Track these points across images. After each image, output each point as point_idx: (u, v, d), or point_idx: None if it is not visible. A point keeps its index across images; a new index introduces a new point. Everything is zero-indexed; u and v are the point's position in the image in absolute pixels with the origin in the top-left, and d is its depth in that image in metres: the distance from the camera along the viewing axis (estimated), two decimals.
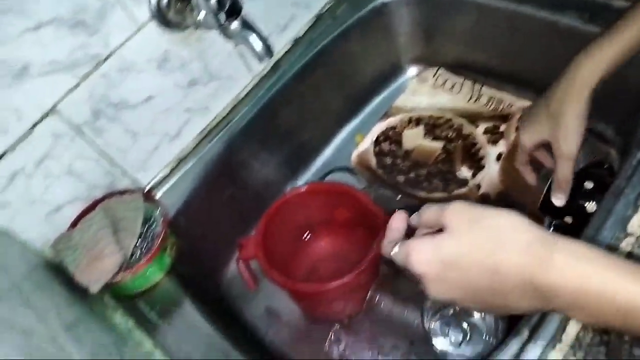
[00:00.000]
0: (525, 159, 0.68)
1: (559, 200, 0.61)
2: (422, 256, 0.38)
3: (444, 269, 0.38)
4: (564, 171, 0.59)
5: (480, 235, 0.37)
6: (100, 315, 0.61)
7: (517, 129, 0.76)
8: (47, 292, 0.53)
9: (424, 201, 0.76)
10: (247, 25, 0.60)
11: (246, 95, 0.79)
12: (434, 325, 0.62)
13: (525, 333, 0.45)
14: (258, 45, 0.59)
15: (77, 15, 0.59)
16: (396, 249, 0.41)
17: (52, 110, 0.61)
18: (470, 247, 0.37)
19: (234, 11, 0.59)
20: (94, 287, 0.59)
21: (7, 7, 0.53)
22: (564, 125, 0.57)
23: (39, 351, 0.36)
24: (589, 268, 0.35)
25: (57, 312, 0.48)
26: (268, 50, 0.59)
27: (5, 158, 0.59)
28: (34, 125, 0.60)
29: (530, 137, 0.64)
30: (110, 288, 0.62)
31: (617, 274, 0.34)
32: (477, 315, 0.61)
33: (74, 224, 0.66)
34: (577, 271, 0.35)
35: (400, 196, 0.80)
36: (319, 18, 0.85)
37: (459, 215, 0.39)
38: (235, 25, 0.59)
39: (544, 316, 0.45)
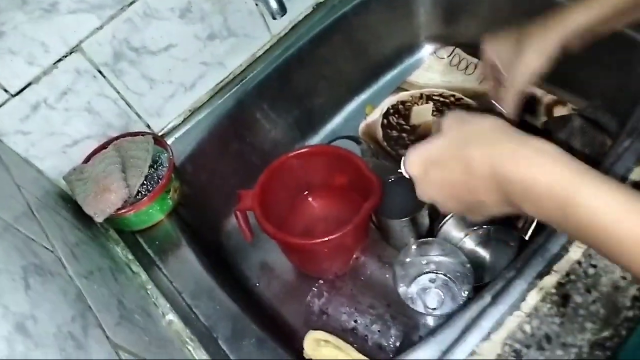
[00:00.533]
0: (487, 71, 0.68)
1: (506, 109, 0.64)
2: (413, 158, 0.44)
3: (428, 168, 0.42)
4: (508, 100, 0.61)
5: (461, 132, 0.41)
6: (102, 244, 0.65)
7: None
8: (56, 215, 0.57)
9: None
10: None
11: (262, 54, 0.82)
12: (410, 289, 0.65)
13: (487, 298, 0.48)
14: (273, 2, 0.61)
15: None
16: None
17: (77, 48, 0.64)
18: (450, 142, 0.41)
19: None
20: (99, 217, 0.63)
21: None
22: (523, 58, 0.58)
23: (36, 257, 0.40)
24: (549, 164, 0.35)
25: (62, 233, 0.52)
26: (282, 7, 0.61)
27: (30, 88, 0.63)
28: (59, 60, 0.64)
29: (491, 53, 0.65)
30: (114, 221, 0.67)
31: (576, 174, 0.34)
32: (451, 284, 0.64)
33: (87, 159, 0.70)
34: (534, 164, 0.36)
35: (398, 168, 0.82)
36: None
37: (451, 119, 0.43)
38: None
39: (508, 284, 0.48)
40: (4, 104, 0.62)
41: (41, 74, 0.63)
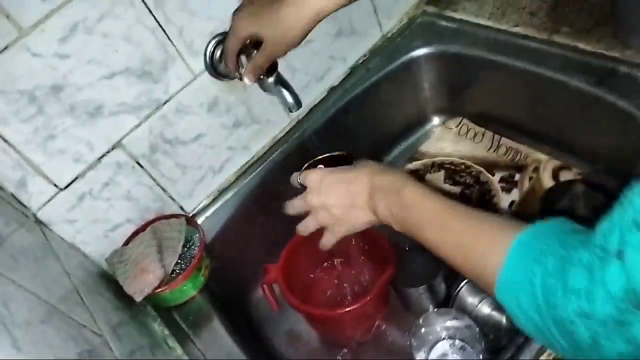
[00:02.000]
0: (236, 47, 0.68)
1: (246, 79, 0.68)
2: (313, 174, 0.63)
3: (323, 181, 0.62)
4: (259, 61, 0.65)
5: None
6: (141, 321, 0.71)
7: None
8: (99, 297, 0.63)
9: None
10: (281, 81, 0.70)
11: (283, 136, 0.89)
12: (430, 357, 0.68)
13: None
14: (289, 98, 0.68)
15: (145, 66, 0.71)
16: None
17: (118, 144, 0.73)
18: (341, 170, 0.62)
19: (271, 69, 0.69)
20: (138, 297, 0.69)
21: (90, 57, 0.66)
22: (291, 34, 0.61)
23: (88, 343, 0.46)
24: (400, 176, 0.57)
25: (105, 314, 0.58)
26: (297, 102, 0.69)
27: (77, 181, 0.71)
28: (102, 156, 0.72)
29: (246, 27, 0.65)
30: (151, 299, 0.72)
31: (407, 180, 0.56)
32: (469, 349, 0.67)
33: (127, 241, 0.77)
34: (397, 178, 0.56)
35: None
36: (353, 70, 0.94)
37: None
38: (270, 80, 0.69)
39: (518, 351, 0.51)
40: (53, 197, 0.70)
41: (87, 169, 0.71)
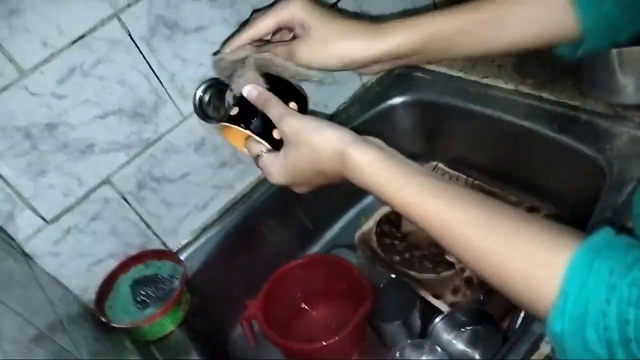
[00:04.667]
0: (270, 27, 0.60)
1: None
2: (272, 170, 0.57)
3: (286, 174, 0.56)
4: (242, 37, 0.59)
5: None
6: (120, 353, 0.71)
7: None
8: (79, 327, 0.64)
9: (414, 280, 0.85)
10: None
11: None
12: None
13: None
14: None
15: (137, 108, 0.75)
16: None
17: (106, 180, 0.76)
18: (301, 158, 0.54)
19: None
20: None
21: (85, 98, 0.70)
22: (343, 44, 0.55)
23: None
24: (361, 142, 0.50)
25: (86, 343, 0.59)
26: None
27: (64, 216, 0.73)
28: (91, 191, 0.75)
29: (304, 9, 0.57)
30: (130, 332, 0.73)
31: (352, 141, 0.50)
32: None
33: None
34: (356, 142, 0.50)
35: (394, 275, 0.89)
36: (333, 116, 1.00)
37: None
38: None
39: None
40: (40, 230, 0.72)
41: (74, 204, 0.74)
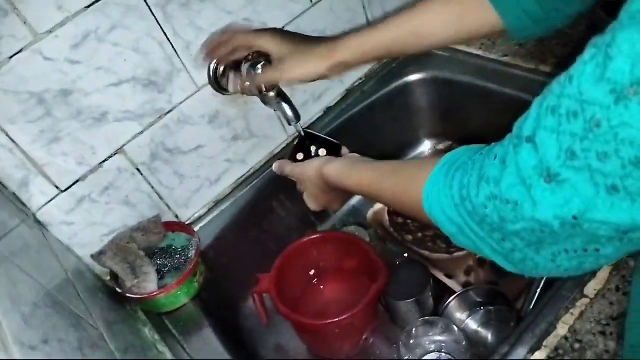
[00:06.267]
0: (245, 42, 0.73)
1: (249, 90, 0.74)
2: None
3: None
4: (272, 77, 0.70)
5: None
6: (132, 325, 0.71)
7: None
8: (94, 296, 0.64)
9: (426, 260, 0.84)
10: (282, 95, 0.73)
11: (279, 152, 0.92)
12: None
13: None
14: (289, 111, 0.71)
15: (151, 76, 0.74)
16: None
17: (120, 150, 0.75)
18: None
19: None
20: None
21: (100, 65, 0.69)
22: (305, 66, 0.67)
23: (86, 332, 0.47)
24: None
25: (100, 311, 0.59)
26: (297, 116, 0.72)
27: (77, 185, 0.73)
28: (104, 161, 0.74)
29: (273, 38, 0.70)
30: (144, 303, 0.73)
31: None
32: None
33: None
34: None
35: (406, 254, 0.88)
36: (349, 91, 0.98)
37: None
38: (271, 94, 0.72)
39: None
40: (54, 198, 0.71)
41: (88, 173, 0.73)
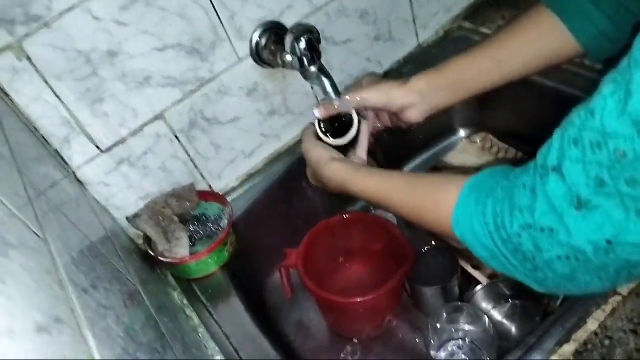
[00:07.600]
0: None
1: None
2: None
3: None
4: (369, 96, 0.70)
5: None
6: (162, 288, 0.73)
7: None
8: (128, 254, 0.65)
9: (453, 249, 0.84)
10: (323, 71, 0.72)
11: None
12: (439, 354, 0.69)
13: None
14: (329, 87, 0.71)
15: (194, 44, 0.74)
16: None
17: (160, 115, 0.75)
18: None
19: (315, 58, 0.72)
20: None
21: (146, 28, 0.69)
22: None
23: (127, 286, 0.48)
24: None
25: (135, 270, 0.60)
26: (337, 92, 0.71)
27: (117, 146, 0.74)
28: (144, 125, 0.75)
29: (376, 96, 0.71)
30: (175, 268, 0.74)
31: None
32: (477, 351, 0.68)
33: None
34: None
35: (433, 241, 0.88)
36: (387, 73, 0.97)
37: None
38: (313, 69, 0.72)
39: (529, 350, 0.52)
40: (94, 158, 0.73)
41: (128, 135, 0.74)
